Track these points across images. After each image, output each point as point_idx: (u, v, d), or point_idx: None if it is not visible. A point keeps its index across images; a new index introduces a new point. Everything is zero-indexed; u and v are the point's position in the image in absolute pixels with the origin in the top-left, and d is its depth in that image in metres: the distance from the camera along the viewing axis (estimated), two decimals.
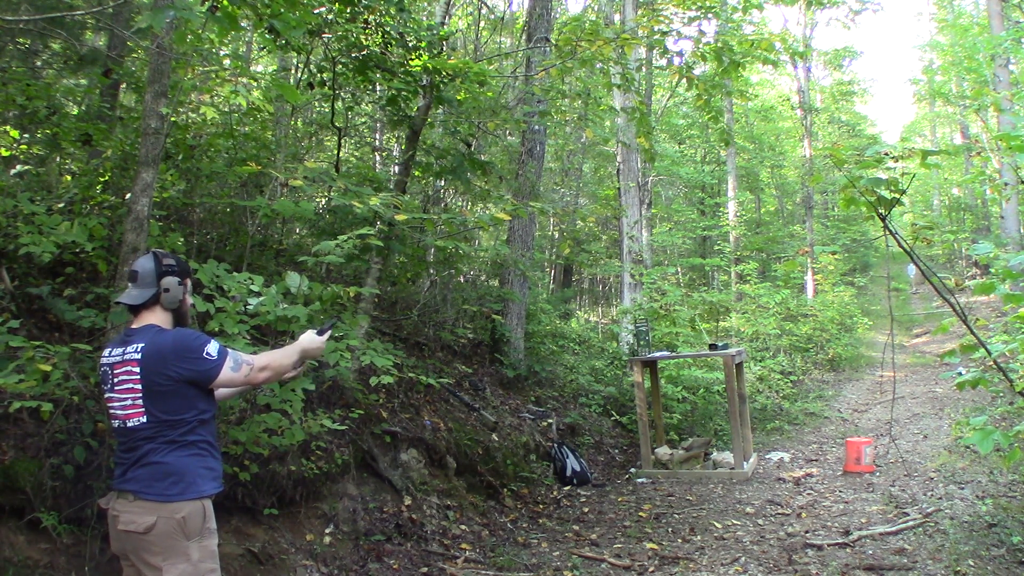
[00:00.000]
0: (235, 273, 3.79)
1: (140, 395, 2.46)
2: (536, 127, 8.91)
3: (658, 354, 8.30)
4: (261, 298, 3.70)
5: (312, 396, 5.02)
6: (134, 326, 2.60)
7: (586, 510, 6.33)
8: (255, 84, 6.02)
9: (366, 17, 5.74)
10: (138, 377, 2.46)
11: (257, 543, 4.25)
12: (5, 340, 3.25)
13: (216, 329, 3.61)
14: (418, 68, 5.74)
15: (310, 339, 2.81)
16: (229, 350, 2.57)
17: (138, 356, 2.47)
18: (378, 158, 11.36)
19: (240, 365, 2.55)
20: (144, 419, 2.47)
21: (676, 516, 6.02)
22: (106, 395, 2.58)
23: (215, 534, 2.57)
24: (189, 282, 2.71)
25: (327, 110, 8.02)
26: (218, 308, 3.63)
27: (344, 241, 4.34)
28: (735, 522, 5.74)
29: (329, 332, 2.90)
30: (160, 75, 4.19)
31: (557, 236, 16.41)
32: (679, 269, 18.50)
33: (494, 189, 9.01)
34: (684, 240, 20.03)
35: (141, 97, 5.46)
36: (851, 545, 4.97)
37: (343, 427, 4.63)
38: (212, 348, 2.51)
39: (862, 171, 3.56)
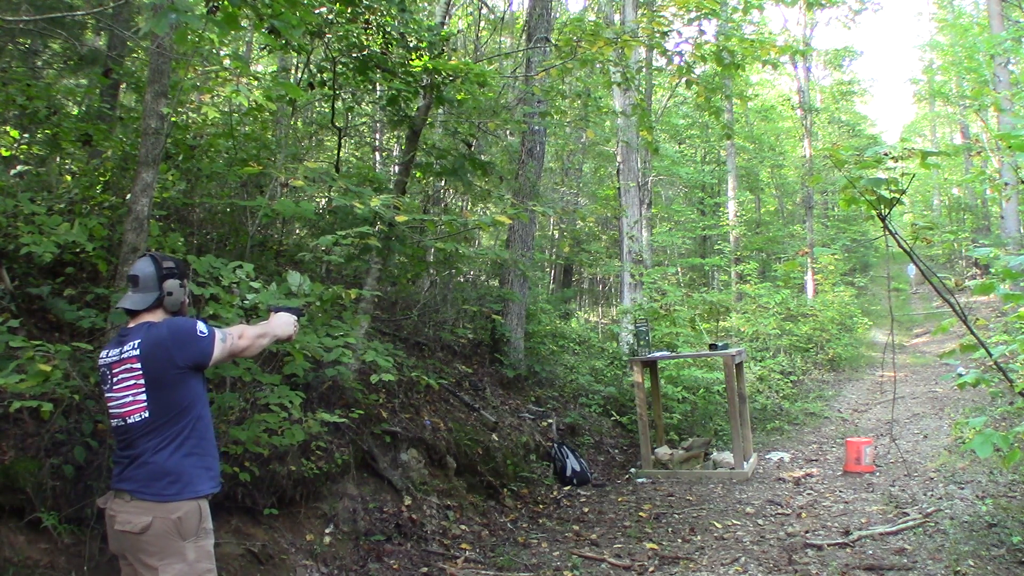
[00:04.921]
0: (231, 264, 3.80)
1: (143, 390, 2.50)
2: (536, 127, 8.92)
3: (658, 354, 8.30)
4: (258, 293, 3.71)
5: (312, 396, 5.02)
6: (130, 326, 2.64)
7: (586, 510, 6.33)
8: (256, 84, 6.02)
9: (367, 17, 5.74)
10: (140, 372, 2.50)
11: (257, 543, 4.25)
12: (5, 340, 3.26)
13: (211, 313, 3.64)
14: (418, 68, 5.74)
15: (283, 320, 2.85)
16: (212, 326, 2.65)
17: (137, 352, 2.51)
18: (378, 158, 11.37)
19: (226, 336, 2.65)
20: (146, 414, 2.50)
21: (676, 516, 6.02)
22: (105, 395, 2.61)
23: (211, 534, 2.58)
24: (187, 282, 2.75)
25: (327, 110, 8.02)
26: (211, 295, 3.66)
27: (342, 238, 4.35)
28: (735, 522, 5.74)
29: (299, 317, 2.93)
30: (160, 75, 4.20)
31: (557, 236, 16.41)
32: (679, 269, 18.49)
33: (494, 189, 9.02)
34: (684, 240, 20.02)
35: (141, 97, 5.47)
36: (851, 545, 4.97)
37: (342, 419, 4.64)
38: (202, 326, 2.60)
39: (862, 171, 3.56)
